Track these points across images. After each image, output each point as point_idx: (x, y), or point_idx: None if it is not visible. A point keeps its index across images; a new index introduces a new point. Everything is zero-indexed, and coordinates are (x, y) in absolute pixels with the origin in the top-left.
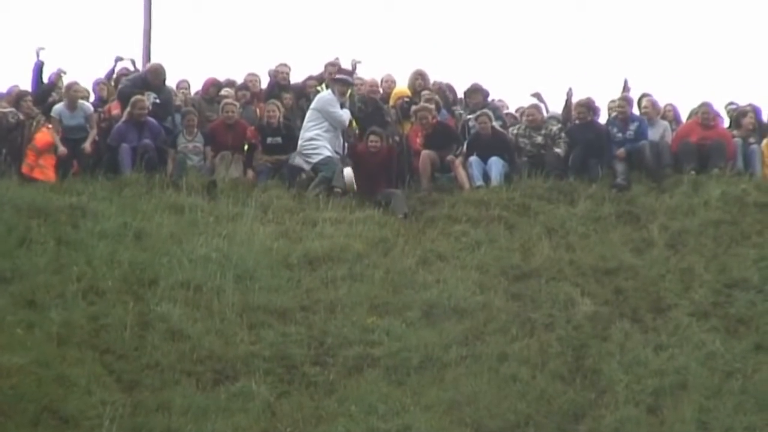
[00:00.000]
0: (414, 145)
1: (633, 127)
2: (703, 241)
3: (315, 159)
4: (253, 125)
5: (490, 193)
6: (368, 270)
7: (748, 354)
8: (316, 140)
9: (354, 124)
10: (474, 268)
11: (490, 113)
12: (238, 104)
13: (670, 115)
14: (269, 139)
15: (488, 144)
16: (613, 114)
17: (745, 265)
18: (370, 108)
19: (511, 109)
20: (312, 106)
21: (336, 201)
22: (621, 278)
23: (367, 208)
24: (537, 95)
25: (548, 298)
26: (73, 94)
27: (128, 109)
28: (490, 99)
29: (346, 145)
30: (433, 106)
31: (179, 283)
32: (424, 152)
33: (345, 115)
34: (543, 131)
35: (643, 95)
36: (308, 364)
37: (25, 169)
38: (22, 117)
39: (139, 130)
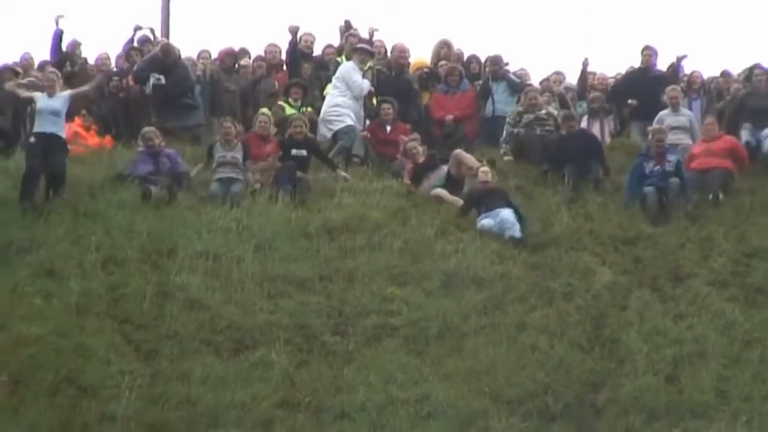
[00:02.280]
0: (434, 114)
1: (672, 159)
2: (723, 211)
3: (337, 126)
4: (272, 94)
5: (507, 163)
6: (387, 240)
7: (766, 323)
8: (341, 107)
9: (374, 99)
10: (493, 238)
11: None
12: (271, 117)
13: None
14: (294, 151)
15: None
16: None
17: (765, 235)
18: (394, 73)
19: (534, 81)
20: (336, 75)
21: (354, 170)
22: (640, 248)
23: (385, 179)
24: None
25: (567, 268)
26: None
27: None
28: (513, 69)
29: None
30: (419, 146)
31: (198, 253)
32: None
33: (365, 84)
34: (536, 113)
35: (671, 88)
36: (327, 334)
37: None
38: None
39: (155, 160)
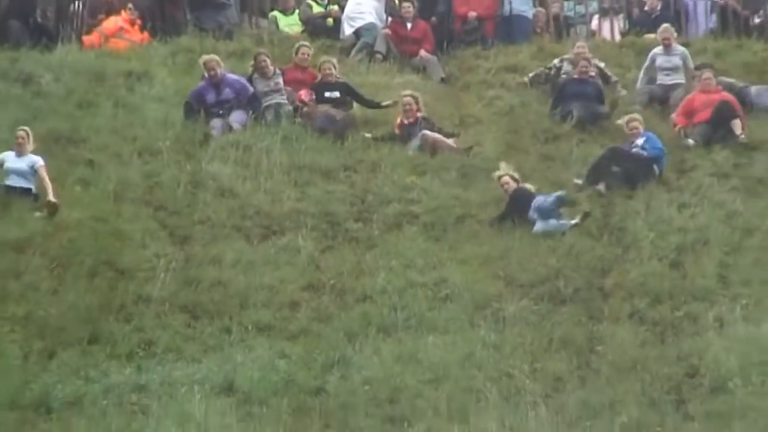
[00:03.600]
0: (457, 10)
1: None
2: None
3: (359, 23)
4: None
5: (525, 59)
6: None
7: (766, 212)
8: (363, 5)
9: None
10: (508, 131)
11: None
12: (311, 49)
13: None
14: (327, 93)
15: None
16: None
17: (766, 129)
18: None
19: None
20: None
21: (377, 66)
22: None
23: (407, 74)
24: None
25: (578, 160)
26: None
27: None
28: None
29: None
30: (414, 104)
31: (229, 143)
32: None
33: (377, 8)
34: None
35: (664, 28)
36: (351, 221)
37: (86, 43)
38: None
39: (217, 88)
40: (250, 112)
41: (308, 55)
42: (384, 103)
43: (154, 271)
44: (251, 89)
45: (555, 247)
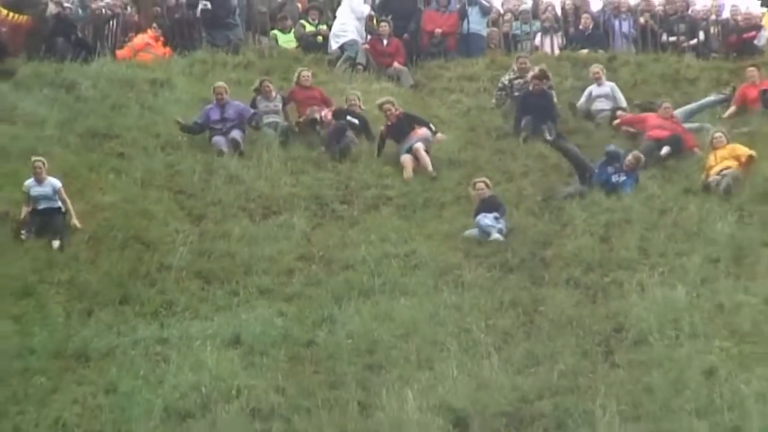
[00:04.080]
0: (426, 27)
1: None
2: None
3: (343, 40)
4: (294, 20)
5: (480, 69)
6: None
7: (678, 196)
8: (347, 25)
9: (374, 20)
10: (466, 129)
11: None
12: (310, 72)
13: None
14: (349, 117)
15: None
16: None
17: None
18: (403, 5)
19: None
20: (343, 1)
21: (358, 75)
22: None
23: (383, 81)
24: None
25: (524, 153)
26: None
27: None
28: None
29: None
30: (393, 108)
31: None
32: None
33: (366, 8)
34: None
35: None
36: (336, 202)
37: (119, 56)
38: (117, 10)
39: (222, 109)
40: (248, 129)
41: (308, 77)
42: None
43: (174, 244)
44: (252, 111)
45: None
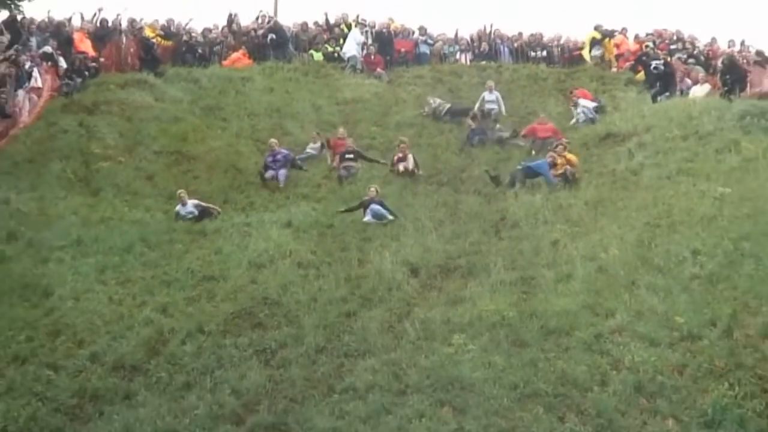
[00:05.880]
0: (396, 46)
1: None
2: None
3: (348, 55)
4: (321, 44)
5: (426, 72)
6: (371, 104)
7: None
8: (350, 47)
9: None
10: (416, 106)
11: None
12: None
13: None
14: (347, 156)
15: None
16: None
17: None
18: (384, 30)
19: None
20: (350, 34)
21: (357, 75)
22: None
23: (371, 78)
24: None
25: (448, 127)
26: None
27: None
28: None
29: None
30: (405, 145)
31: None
32: None
33: (361, 38)
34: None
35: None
36: None
37: (224, 64)
38: (222, 38)
39: (273, 154)
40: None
41: (344, 134)
42: (381, 161)
43: (254, 169)
44: (293, 156)
45: (437, 156)
